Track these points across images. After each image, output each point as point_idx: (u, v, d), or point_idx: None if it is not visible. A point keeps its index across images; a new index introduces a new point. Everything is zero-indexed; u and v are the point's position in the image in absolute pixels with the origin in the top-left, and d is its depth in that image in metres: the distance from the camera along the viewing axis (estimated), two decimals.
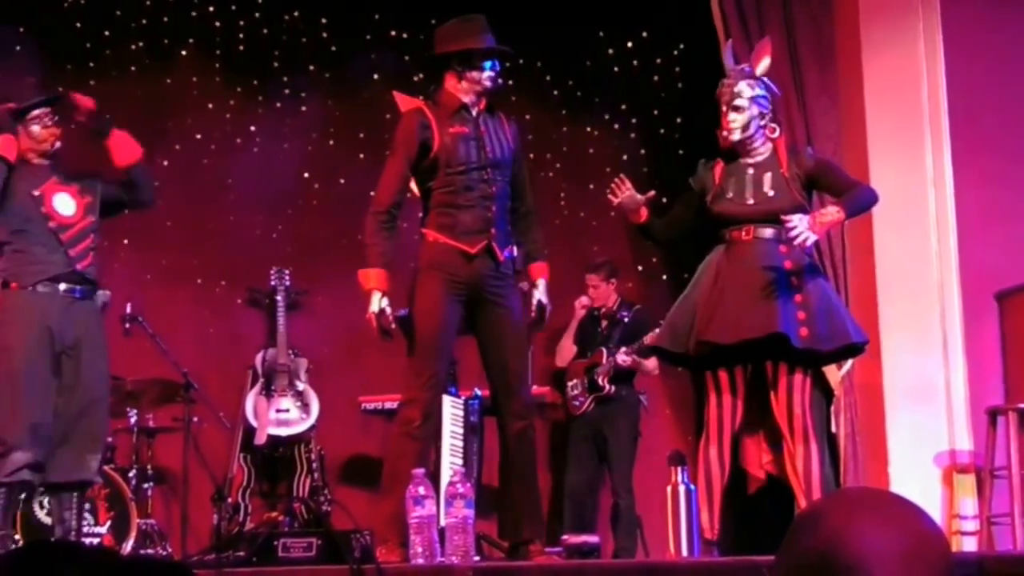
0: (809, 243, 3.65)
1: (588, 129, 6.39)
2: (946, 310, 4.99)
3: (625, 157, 6.30)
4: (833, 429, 5.03)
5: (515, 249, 3.82)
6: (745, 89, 3.79)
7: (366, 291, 3.62)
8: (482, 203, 3.70)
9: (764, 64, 3.87)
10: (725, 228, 3.79)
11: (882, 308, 4.99)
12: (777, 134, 3.85)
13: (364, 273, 3.64)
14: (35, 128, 3.96)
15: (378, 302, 3.59)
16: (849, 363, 4.95)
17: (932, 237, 5.04)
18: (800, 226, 3.59)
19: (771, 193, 3.76)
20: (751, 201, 3.75)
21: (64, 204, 3.93)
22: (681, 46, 6.28)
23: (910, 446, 4.93)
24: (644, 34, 6.30)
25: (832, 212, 3.72)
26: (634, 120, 6.37)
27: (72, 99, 4.02)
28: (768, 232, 3.75)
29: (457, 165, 3.69)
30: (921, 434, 4.93)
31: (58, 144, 4.00)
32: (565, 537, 3.83)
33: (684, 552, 3.54)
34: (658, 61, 6.31)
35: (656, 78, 6.32)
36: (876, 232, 5.00)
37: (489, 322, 3.71)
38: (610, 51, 6.32)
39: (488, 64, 3.74)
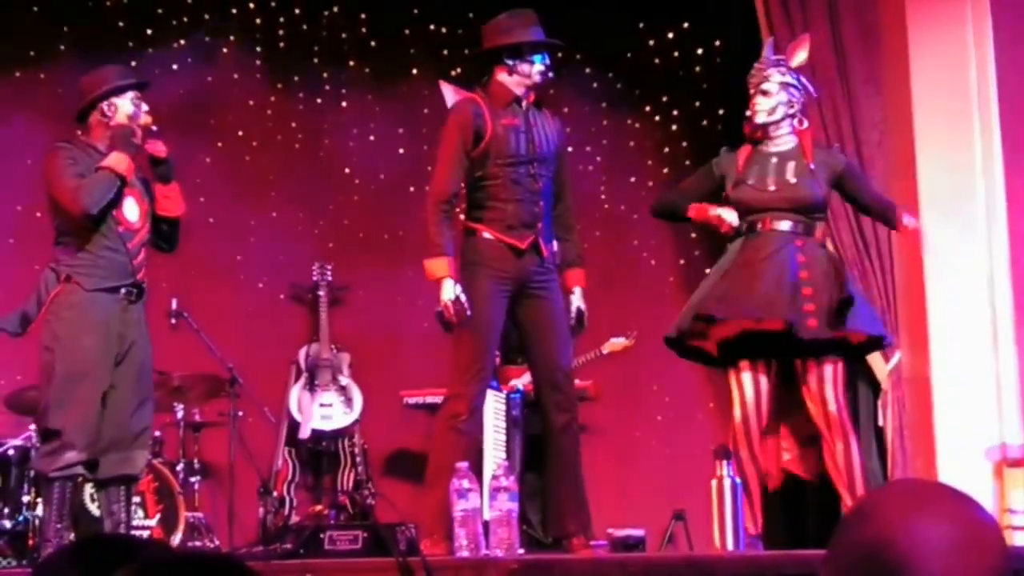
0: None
1: (629, 121, 6.35)
2: (996, 301, 4.91)
3: (667, 150, 6.27)
4: (880, 422, 4.98)
5: (555, 245, 3.82)
6: (775, 75, 3.81)
7: (436, 280, 3.62)
8: (530, 198, 3.71)
9: (800, 57, 3.88)
10: (744, 217, 3.79)
11: (930, 300, 4.92)
12: (805, 126, 3.85)
13: (432, 263, 3.64)
14: (129, 107, 3.81)
15: (452, 289, 3.59)
16: (897, 356, 4.90)
17: (981, 226, 4.96)
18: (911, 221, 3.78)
19: (793, 181, 3.77)
20: (772, 188, 3.77)
21: (131, 209, 3.82)
22: (723, 36, 6.22)
23: (959, 440, 4.85)
24: (685, 25, 6.25)
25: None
26: (675, 112, 6.33)
27: (144, 147, 3.86)
28: (785, 224, 3.76)
29: (507, 157, 3.70)
30: (971, 427, 4.85)
31: (153, 128, 3.84)
32: (610, 530, 3.83)
33: (729, 546, 3.52)
34: (699, 52, 6.27)
35: (698, 69, 6.27)
36: (924, 222, 4.91)
37: (533, 316, 3.72)
38: (651, 42, 6.28)
39: (538, 58, 3.76)
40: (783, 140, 3.83)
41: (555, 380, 3.71)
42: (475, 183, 3.73)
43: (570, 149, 6.14)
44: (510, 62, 3.74)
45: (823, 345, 3.70)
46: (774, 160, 3.80)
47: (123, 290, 3.78)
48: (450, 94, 3.95)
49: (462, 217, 3.86)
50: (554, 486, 3.76)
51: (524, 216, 3.69)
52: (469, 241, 3.73)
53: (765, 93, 3.81)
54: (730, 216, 3.78)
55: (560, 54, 5.92)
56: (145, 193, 3.91)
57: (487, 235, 3.68)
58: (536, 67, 3.74)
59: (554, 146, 3.81)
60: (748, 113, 3.85)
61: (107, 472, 3.79)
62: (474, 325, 3.62)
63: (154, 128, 3.89)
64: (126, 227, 3.80)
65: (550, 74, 3.80)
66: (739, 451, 3.72)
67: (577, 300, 3.85)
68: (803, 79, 3.89)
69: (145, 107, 3.86)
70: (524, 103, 3.77)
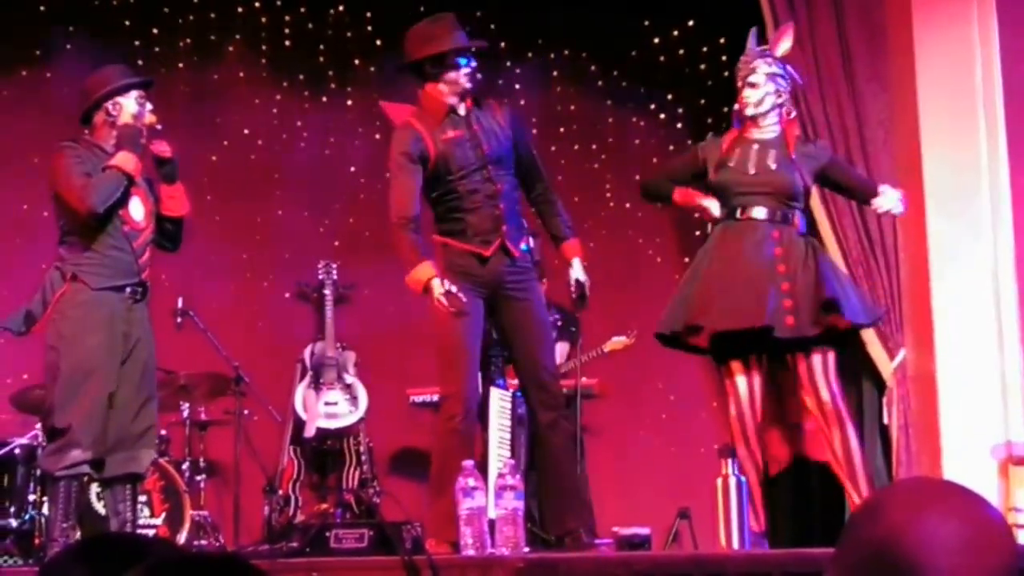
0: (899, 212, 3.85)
1: (634, 119, 6.35)
2: (1001, 299, 4.90)
3: (671, 147, 6.25)
4: (885, 421, 4.97)
5: (531, 240, 3.81)
6: (762, 66, 3.84)
7: (423, 285, 3.60)
8: (488, 203, 3.68)
9: (784, 46, 3.92)
10: (724, 201, 3.81)
11: (936, 297, 4.91)
12: (792, 116, 3.88)
13: (415, 271, 3.62)
14: (133, 107, 3.79)
15: (440, 285, 3.57)
16: (902, 353, 4.90)
17: (987, 224, 4.95)
18: (890, 198, 3.78)
19: (773, 167, 3.79)
20: (752, 171, 3.78)
21: (136, 208, 3.81)
22: (728, 34, 6.21)
23: (965, 438, 4.84)
24: (690, 23, 6.25)
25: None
26: (680, 110, 6.32)
27: (148, 146, 3.85)
28: (762, 212, 3.79)
29: (457, 171, 3.67)
30: (976, 425, 4.84)
31: (158, 127, 3.83)
32: (615, 529, 3.82)
33: (735, 544, 3.52)
34: (704, 50, 6.26)
35: (703, 67, 6.26)
36: (929, 219, 4.92)
37: (512, 317, 3.71)
38: (655, 40, 6.28)
39: (463, 61, 3.68)
40: (769, 129, 3.86)
41: (540, 379, 3.71)
42: (436, 200, 3.73)
43: (576, 147, 6.18)
44: (434, 71, 3.68)
45: (808, 337, 3.72)
46: (756, 147, 3.84)
47: (128, 289, 3.77)
48: (392, 114, 3.89)
49: (432, 235, 3.84)
50: (548, 485, 3.76)
51: (485, 223, 3.67)
52: (439, 252, 3.73)
53: (753, 85, 3.84)
54: (713, 206, 3.80)
55: (566, 52, 5.97)
56: (150, 192, 3.91)
57: (452, 245, 3.69)
58: (463, 71, 3.67)
59: (507, 142, 3.74)
60: (736, 106, 3.89)
61: (113, 471, 3.79)
62: (451, 325, 3.60)
63: (159, 127, 3.90)
64: (131, 226, 3.80)
65: (478, 76, 3.72)
66: (736, 448, 3.73)
67: (577, 271, 3.81)
68: (788, 68, 3.92)
69: (149, 106, 3.86)
70: (463, 109, 3.71)
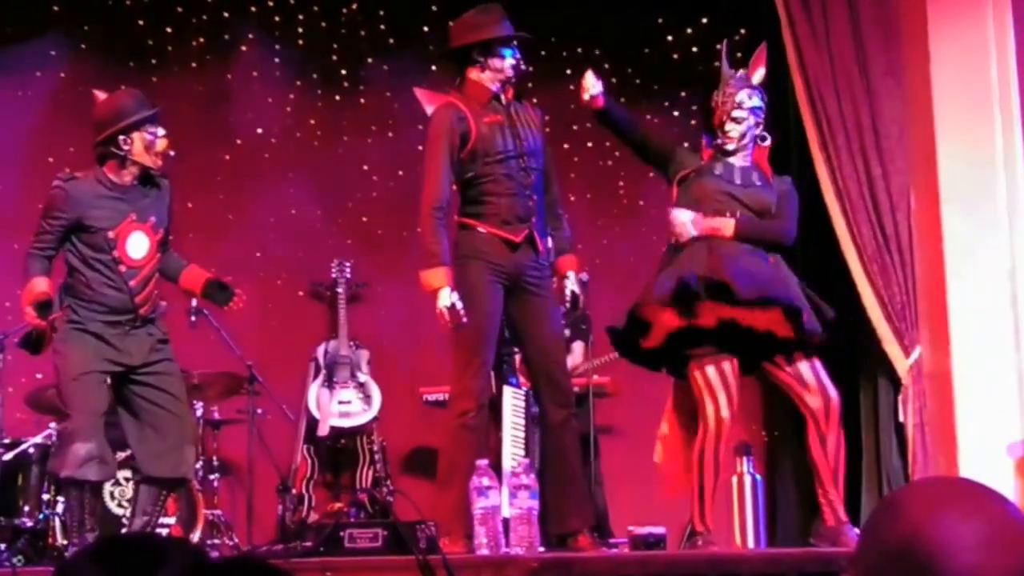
0: (682, 235, 3.67)
1: (647, 117, 6.32)
2: (1018, 295, 4.87)
3: (686, 144, 6.22)
4: (900, 419, 4.95)
5: (550, 241, 3.83)
6: (745, 99, 3.85)
7: (433, 290, 3.62)
8: (522, 192, 3.73)
9: (760, 73, 3.93)
10: (703, 205, 3.74)
11: (951, 294, 4.89)
12: (767, 143, 3.85)
13: (430, 274, 3.64)
14: (148, 137, 3.79)
15: (448, 296, 3.60)
16: (917, 351, 4.88)
17: (1003, 220, 4.92)
18: (681, 217, 3.63)
19: (759, 183, 3.79)
20: (739, 181, 3.76)
21: (137, 247, 3.81)
22: (742, 31, 6.20)
23: (981, 436, 4.82)
24: (704, 20, 6.23)
25: (724, 224, 3.68)
26: (694, 107, 6.30)
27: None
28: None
29: (495, 154, 3.71)
30: (992, 423, 4.82)
31: (171, 154, 3.85)
32: (631, 528, 3.82)
33: (750, 543, 3.50)
34: (718, 47, 6.23)
35: (716, 64, 6.22)
36: (944, 216, 4.90)
37: (529, 311, 3.73)
38: (669, 38, 6.26)
39: (508, 52, 3.77)
40: (745, 156, 3.87)
41: (553, 376, 3.72)
42: (468, 182, 3.74)
43: (588, 144, 6.16)
44: (481, 59, 3.75)
45: (786, 343, 3.65)
46: (738, 164, 3.85)
47: (123, 317, 3.81)
48: (427, 101, 3.95)
49: (455, 216, 3.85)
50: (554, 483, 3.76)
51: (518, 210, 3.71)
52: (463, 235, 3.74)
53: (736, 120, 3.85)
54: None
55: (579, 49, 5.95)
56: (160, 221, 3.89)
57: (481, 229, 3.69)
58: (507, 61, 3.76)
59: (539, 140, 3.83)
60: (719, 140, 3.84)
61: (160, 472, 3.81)
62: (471, 319, 3.62)
63: (172, 153, 3.88)
64: (129, 265, 3.80)
65: (521, 67, 3.81)
66: (705, 451, 3.62)
67: (571, 284, 3.88)
68: (763, 93, 3.94)
69: (161, 131, 3.85)
70: (503, 99, 3.78)
